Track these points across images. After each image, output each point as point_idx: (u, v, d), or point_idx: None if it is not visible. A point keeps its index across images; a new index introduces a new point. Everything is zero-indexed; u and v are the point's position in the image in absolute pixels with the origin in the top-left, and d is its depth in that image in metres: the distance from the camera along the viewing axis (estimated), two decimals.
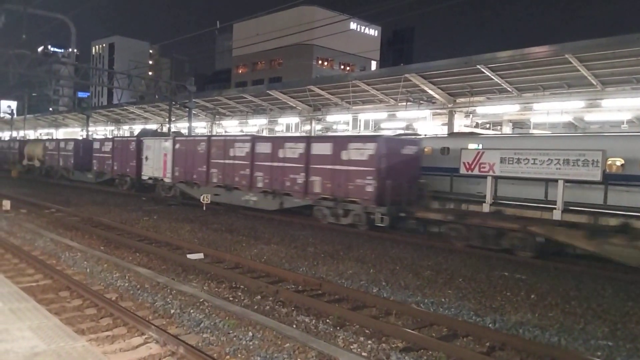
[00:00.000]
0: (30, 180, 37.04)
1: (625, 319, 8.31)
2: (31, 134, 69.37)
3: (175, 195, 24.45)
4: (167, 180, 24.82)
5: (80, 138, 42.11)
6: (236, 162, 21.14)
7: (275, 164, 19.49)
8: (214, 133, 41.44)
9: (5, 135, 71.69)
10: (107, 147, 30.86)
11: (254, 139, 20.89)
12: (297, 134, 34.25)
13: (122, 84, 35.12)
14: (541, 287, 10.12)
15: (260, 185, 20.09)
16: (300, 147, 18.65)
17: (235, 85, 78.29)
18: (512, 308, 8.67)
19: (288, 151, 19.05)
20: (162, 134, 34.74)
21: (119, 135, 41.58)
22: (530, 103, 23.40)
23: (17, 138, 62.78)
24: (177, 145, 24.45)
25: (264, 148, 20.12)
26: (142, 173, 26.96)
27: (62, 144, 37.17)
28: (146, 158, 26.50)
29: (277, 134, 36.95)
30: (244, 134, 34.88)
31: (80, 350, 4.48)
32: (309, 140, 19.12)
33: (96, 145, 32.50)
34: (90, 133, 51.86)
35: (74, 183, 33.70)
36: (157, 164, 25.55)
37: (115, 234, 14.83)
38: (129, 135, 51.49)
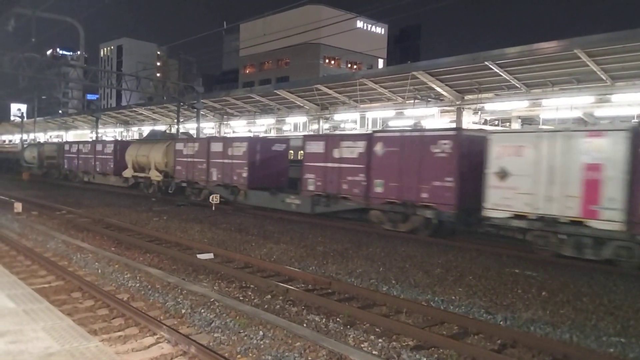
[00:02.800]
0: (40, 182, 37.33)
1: (638, 315, 8.24)
2: (41, 137, 69.78)
3: None
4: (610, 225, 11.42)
5: (260, 136, 29.29)
6: None
7: None
8: (221, 133, 41.54)
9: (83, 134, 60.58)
10: (351, 150, 16.94)
11: None
12: None
13: (131, 85, 35.26)
14: (552, 284, 10.06)
15: None
16: None
17: (242, 86, 78.41)
18: (523, 305, 8.63)
19: None
20: (171, 135, 34.82)
21: (391, 128, 25.97)
22: (539, 99, 23.24)
23: (107, 138, 50.81)
24: None
25: None
26: (490, 204, 13.49)
27: (216, 146, 23.01)
28: (502, 174, 13.22)
29: (286, 134, 36.91)
30: None
31: (93, 351, 4.52)
32: None
33: (313, 147, 18.49)
34: (99, 135, 52.05)
35: (242, 207, 21.96)
36: (559, 188, 12.30)
37: (126, 235, 14.93)
38: (137, 136, 51.43)
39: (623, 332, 7.43)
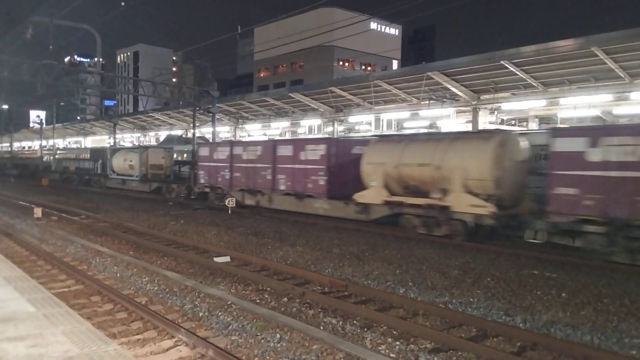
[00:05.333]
0: (59, 188, 37.83)
1: None
2: (60, 143, 70.69)
3: None
4: None
5: None
6: None
7: None
8: (237, 137, 41.73)
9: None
10: None
11: None
12: None
13: (147, 91, 35.59)
14: (572, 285, 9.92)
15: None
16: None
17: (257, 89, 78.78)
18: (542, 307, 8.52)
19: None
20: (187, 140, 34.98)
21: None
22: (557, 98, 23.00)
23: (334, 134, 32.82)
24: None
25: None
26: None
27: None
28: None
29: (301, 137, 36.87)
30: None
31: (112, 354, 4.56)
32: None
33: None
34: (117, 140, 52.43)
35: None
36: None
37: (144, 239, 15.06)
38: (155, 141, 51.54)
39: None
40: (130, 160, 34.05)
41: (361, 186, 17.19)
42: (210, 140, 34.58)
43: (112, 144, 47.90)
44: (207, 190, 24.83)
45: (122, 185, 34.81)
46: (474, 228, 14.43)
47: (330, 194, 18.30)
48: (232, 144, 24.17)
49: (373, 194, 16.71)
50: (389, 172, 16.22)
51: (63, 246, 13.86)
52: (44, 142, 61.00)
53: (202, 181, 25.17)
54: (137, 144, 53.80)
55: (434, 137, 16.96)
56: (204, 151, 25.30)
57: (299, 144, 20.01)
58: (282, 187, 20.26)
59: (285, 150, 20.37)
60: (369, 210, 16.94)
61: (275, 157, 20.65)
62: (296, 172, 19.62)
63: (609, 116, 24.39)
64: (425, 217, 15.41)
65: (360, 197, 17.06)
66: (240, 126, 42.43)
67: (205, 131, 42.07)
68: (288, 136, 38.36)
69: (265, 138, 38.42)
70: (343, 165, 18.46)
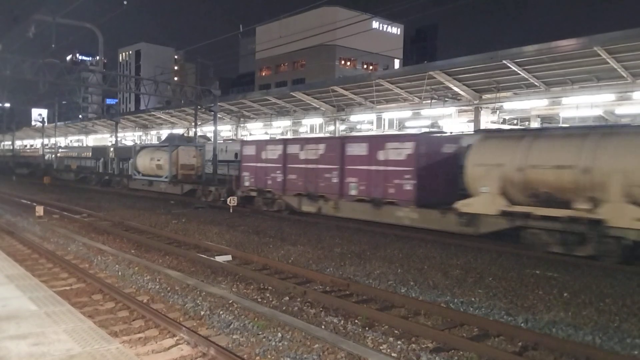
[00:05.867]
0: (61, 187, 37.87)
1: None
2: (62, 141, 70.75)
3: None
4: None
5: None
6: None
7: None
8: (239, 136, 41.75)
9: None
10: None
11: None
12: None
13: (149, 90, 35.55)
14: (574, 285, 9.91)
15: None
16: None
17: (258, 88, 78.80)
18: (544, 307, 8.51)
19: None
20: (189, 139, 34.97)
21: None
22: (559, 97, 22.97)
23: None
24: None
25: None
26: None
27: None
28: None
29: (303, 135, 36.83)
30: None
31: (114, 352, 4.56)
32: None
33: None
34: (119, 139, 52.49)
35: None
36: None
37: (146, 237, 15.07)
38: (156, 140, 51.49)
39: None
40: (158, 160, 30.53)
41: (453, 192, 15.12)
42: (212, 140, 34.55)
43: (113, 142, 47.87)
44: (254, 194, 21.79)
45: (149, 186, 31.55)
46: (633, 247, 11.43)
47: (419, 201, 15.37)
48: (285, 141, 21.10)
49: (484, 203, 13.59)
50: (509, 175, 13.05)
51: (65, 244, 13.88)
52: (45, 141, 61.05)
53: (247, 184, 21.99)
54: (138, 142, 53.85)
55: (575, 132, 13.29)
56: (249, 150, 22.05)
57: (377, 142, 16.96)
58: (353, 192, 17.28)
59: (357, 149, 17.38)
60: (478, 222, 13.90)
61: (344, 157, 17.72)
62: (373, 174, 16.69)
63: (612, 116, 24.36)
64: (564, 232, 12.27)
65: (466, 206, 14.02)
66: (242, 125, 42.45)
67: (207, 130, 42.11)
68: (290, 135, 38.33)
69: (267, 137, 38.38)
70: (433, 167, 15.81)
